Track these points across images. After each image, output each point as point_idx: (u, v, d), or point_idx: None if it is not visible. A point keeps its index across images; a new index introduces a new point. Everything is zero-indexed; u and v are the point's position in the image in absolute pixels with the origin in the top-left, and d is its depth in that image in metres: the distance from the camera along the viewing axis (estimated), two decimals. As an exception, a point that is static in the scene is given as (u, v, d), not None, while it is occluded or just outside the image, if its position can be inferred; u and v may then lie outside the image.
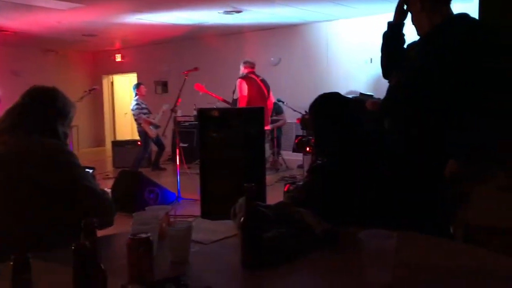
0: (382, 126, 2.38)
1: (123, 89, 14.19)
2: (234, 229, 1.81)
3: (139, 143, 9.08)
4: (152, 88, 12.44)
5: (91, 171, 2.14)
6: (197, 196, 5.54)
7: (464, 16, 2.26)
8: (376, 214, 1.84)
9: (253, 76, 6.85)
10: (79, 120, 10.51)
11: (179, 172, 6.35)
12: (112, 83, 14.43)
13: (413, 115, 2.26)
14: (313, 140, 2.59)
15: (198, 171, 5.03)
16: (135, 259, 1.31)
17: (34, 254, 1.08)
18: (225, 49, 11.26)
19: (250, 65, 6.95)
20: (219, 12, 8.42)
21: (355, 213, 1.85)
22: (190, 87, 7.33)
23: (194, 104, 9.25)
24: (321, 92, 2.19)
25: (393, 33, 2.53)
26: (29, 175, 1.82)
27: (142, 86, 8.92)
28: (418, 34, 2.40)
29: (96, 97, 13.31)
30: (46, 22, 8.81)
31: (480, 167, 2.34)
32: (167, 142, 9.15)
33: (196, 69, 6.78)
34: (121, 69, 13.75)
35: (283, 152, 9.02)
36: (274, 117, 8.62)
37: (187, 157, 6.50)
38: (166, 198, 6.03)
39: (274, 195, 4.88)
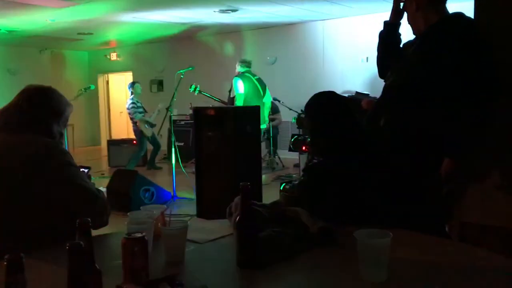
0: (377, 125, 2.38)
1: (119, 88, 14.16)
2: (230, 228, 1.81)
3: (134, 142, 9.07)
4: (147, 87, 12.43)
5: (86, 170, 2.13)
6: (192, 195, 5.54)
7: (459, 16, 2.27)
8: (372, 213, 1.84)
9: (249, 75, 6.85)
10: (75, 118, 10.47)
11: (175, 171, 6.34)
12: (107, 82, 14.41)
13: (408, 114, 2.27)
14: (309, 139, 2.59)
15: (193, 170, 5.03)
16: (130, 259, 1.30)
17: (28, 254, 1.07)
18: (221, 48, 11.25)
19: (246, 64, 6.96)
20: (214, 11, 8.41)
21: (351, 212, 1.85)
22: (186, 86, 7.33)
23: (190, 103, 9.25)
24: (317, 91, 2.19)
25: (389, 32, 2.54)
26: (23, 175, 1.81)
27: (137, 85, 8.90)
28: (414, 34, 2.41)
29: (91, 96, 13.29)
30: (41, 20, 8.77)
31: (475, 166, 2.35)
32: (163, 141, 9.15)
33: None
34: (117, 68, 13.73)
35: (279, 151, 9.02)
36: (270, 116, 8.63)
37: (183, 156, 6.48)
38: (162, 197, 6.02)
39: (270, 194, 4.88)
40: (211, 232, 1.84)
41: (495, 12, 2.51)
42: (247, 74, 6.83)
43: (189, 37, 11.44)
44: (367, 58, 8.82)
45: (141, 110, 8.59)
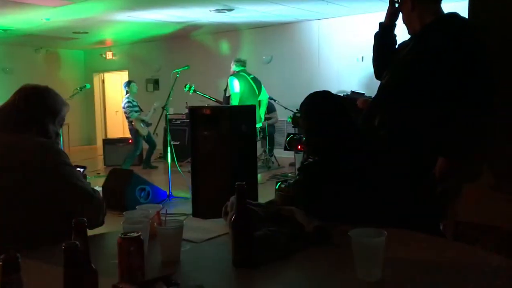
0: (372, 124, 2.38)
1: (114, 87, 14.13)
2: (225, 228, 1.82)
3: (130, 141, 9.05)
4: (143, 86, 12.41)
5: (82, 170, 2.13)
6: (188, 194, 5.54)
7: (454, 15, 2.28)
8: (367, 211, 1.85)
9: (244, 74, 6.85)
10: (70, 118, 10.45)
11: (171, 170, 6.34)
12: (103, 81, 14.37)
13: (403, 113, 2.27)
14: (304, 138, 2.60)
15: (189, 169, 5.03)
16: (126, 258, 1.31)
17: (24, 254, 1.07)
18: (216, 47, 11.24)
19: (241, 63, 6.96)
20: (210, 10, 8.40)
21: (346, 211, 1.86)
22: (182, 85, 7.32)
23: (186, 102, 9.24)
24: (313, 90, 2.19)
25: (384, 34, 2.55)
26: (19, 174, 1.81)
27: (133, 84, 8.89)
28: (409, 33, 2.42)
29: (87, 95, 13.26)
30: (36, 19, 8.74)
31: (469, 166, 2.36)
32: (159, 140, 9.13)
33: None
34: (112, 67, 13.70)
35: (274, 150, 9.03)
36: (266, 115, 8.63)
37: (179, 155, 6.48)
38: (158, 196, 6.01)
39: (266, 193, 4.89)
40: (207, 231, 1.85)
41: (489, 12, 2.52)
42: (242, 73, 6.83)
43: (185, 36, 11.43)
44: (362, 57, 8.83)
45: (136, 109, 8.58)
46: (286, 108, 8.52)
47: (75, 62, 14.20)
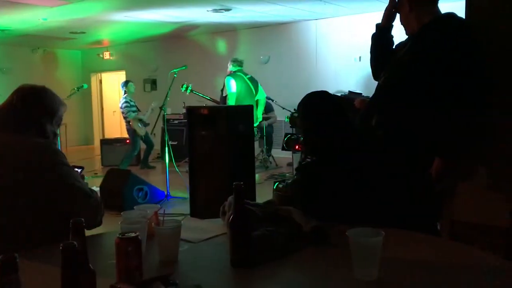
0: (370, 124, 2.39)
1: (112, 87, 14.12)
2: (223, 228, 1.82)
3: (127, 141, 9.05)
4: (141, 86, 12.40)
5: (79, 170, 2.13)
6: (186, 194, 5.53)
7: (451, 16, 2.28)
8: (364, 211, 1.85)
9: (241, 74, 6.86)
10: (68, 118, 10.45)
11: (168, 170, 6.33)
12: (100, 81, 14.35)
13: (400, 113, 2.28)
14: (302, 138, 2.60)
15: (187, 169, 5.03)
16: (124, 259, 1.31)
17: (22, 254, 1.07)
18: (214, 47, 11.24)
19: (238, 63, 6.96)
20: (208, 10, 8.40)
21: (344, 211, 1.86)
22: (179, 85, 7.32)
23: (184, 102, 9.24)
24: (310, 90, 2.20)
25: (382, 35, 2.56)
26: (16, 175, 1.81)
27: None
28: (407, 34, 2.42)
29: (84, 95, 13.24)
30: (33, 19, 8.73)
31: (465, 165, 2.37)
32: (156, 140, 9.13)
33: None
34: (110, 67, 13.68)
35: (272, 150, 9.03)
36: (265, 115, 8.64)
37: (176, 155, 6.47)
38: (155, 196, 6.01)
39: (264, 193, 4.89)
40: (204, 231, 1.85)
41: (486, 12, 2.53)
42: (239, 73, 6.84)
43: (182, 36, 11.43)
44: (360, 57, 8.84)
45: (134, 109, 8.57)
46: (283, 108, 8.53)
47: (73, 62, 14.18)
